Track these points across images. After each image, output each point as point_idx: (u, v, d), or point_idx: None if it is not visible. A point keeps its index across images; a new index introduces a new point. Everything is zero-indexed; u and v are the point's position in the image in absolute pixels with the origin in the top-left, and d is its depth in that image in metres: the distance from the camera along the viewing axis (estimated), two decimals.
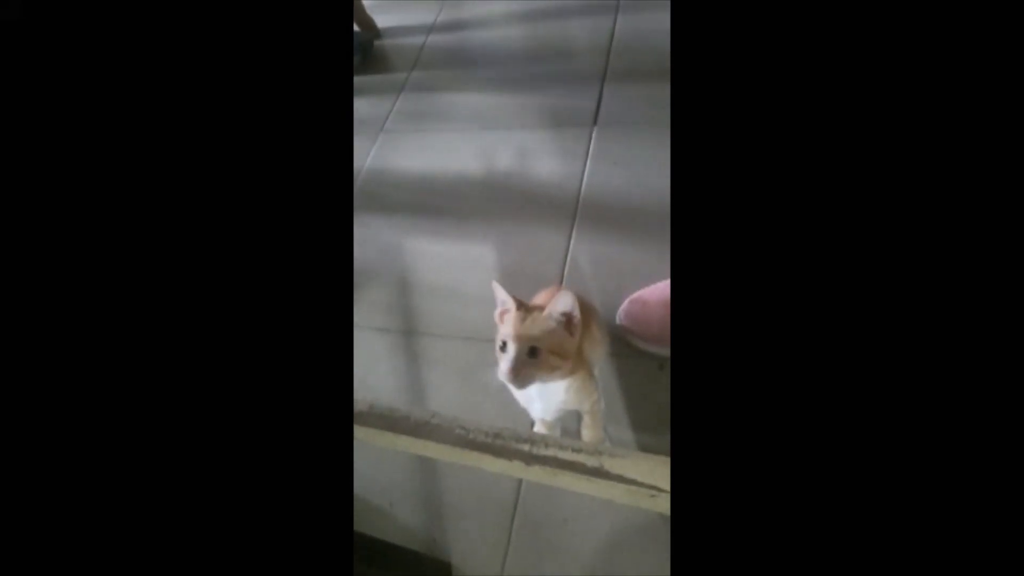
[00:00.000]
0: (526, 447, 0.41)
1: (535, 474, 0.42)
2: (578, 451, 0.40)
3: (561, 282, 0.92)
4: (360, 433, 0.47)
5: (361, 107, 1.34)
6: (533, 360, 0.55)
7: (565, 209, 1.02)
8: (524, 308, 0.58)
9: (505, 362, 0.54)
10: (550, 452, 0.41)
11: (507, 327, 0.57)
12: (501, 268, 0.98)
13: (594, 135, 1.11)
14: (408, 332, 0.95)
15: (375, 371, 0.90)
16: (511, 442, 0.41)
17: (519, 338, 0.55)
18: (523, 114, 1.21)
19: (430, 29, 1.48)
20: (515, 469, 0.42)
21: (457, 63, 1.39)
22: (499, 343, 0.57)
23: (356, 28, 1.45)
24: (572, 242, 0.97)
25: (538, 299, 0.67)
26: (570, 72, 1.25)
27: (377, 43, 1.47)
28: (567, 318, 0.57)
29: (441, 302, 0.97)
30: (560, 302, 0.56)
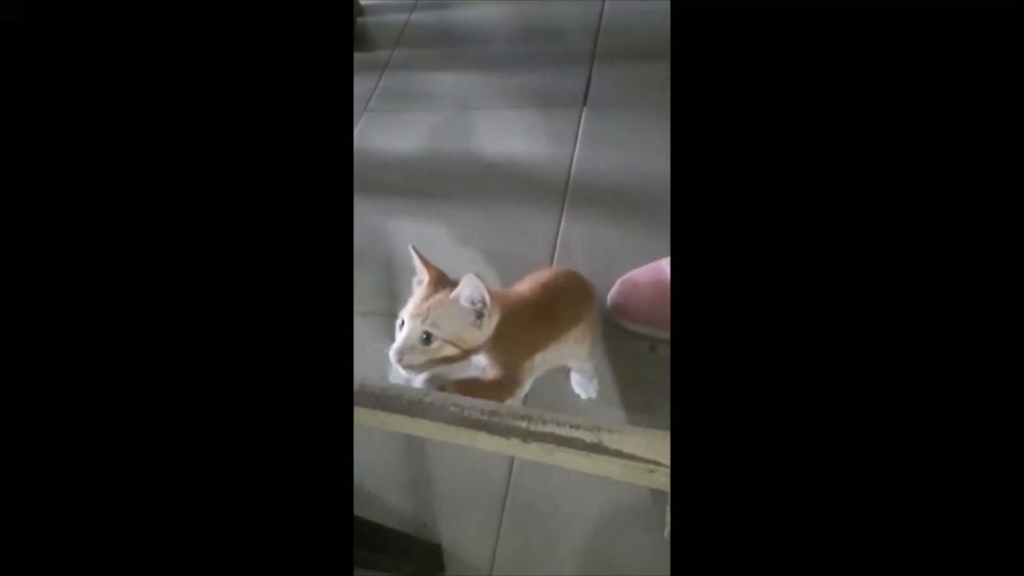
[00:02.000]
0: (523, 424, 0.40)
1: (532, 452, 0.40)
2: (576, 427, 0.39)
3: (552, 264, 0.91)
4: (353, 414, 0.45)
5: None
6: (424, 347, 0.48)
7: (554, 191, 1.00)
8: (437, 284, 0.51)
9: (395, 343, 0.48)
10: (548, 428, 0.39)
11: (410, 303, 0.51)
12: (489, 250, 0.96)
13: (583, 116, 1.10)
14: (394, 315, 0.93)
15: (362, 354, 0.88)
16: (507, 419, 0.40)
17: (414, 317, 0.49)
18: (510, 94, 1.19)
19: (413, 7, 1.44)
20: (512, 447, 0.40)
21: (442, 41, 1.35)
22: (399, 319, 0.51)
23: None
24: (562, 224, 0.96)
25: (523, 284, 0.63)
26: (558, 52, 1.23)
27: (359, 20, 1.42)
28: (480, 305, 0.50)
29: None
30: (468, 287, 0.49)
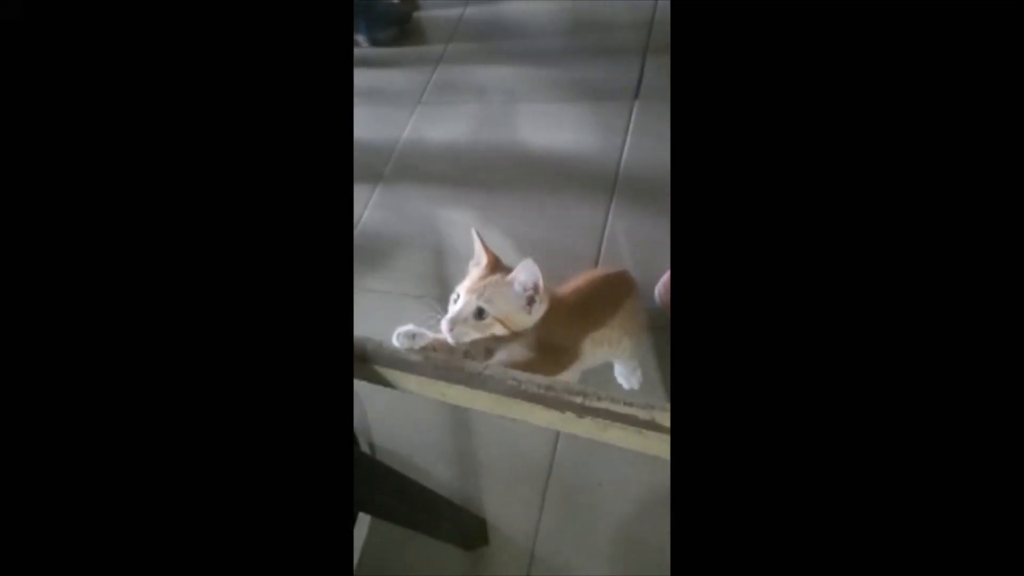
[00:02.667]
0: (578, 399, 0.42)
1: (585, 427, 0.42)
2: (630, 404, 0.41)
3: (598, 259, 0.92)
4: (412, 383, 0.48)
5: (398, 79, 1.34)
6: (477, 322, 0.51)
7: (603, 183, 1.01)
8: (494, 267, 0.54)
9: (449, 313, 0.51)
10: (602, 405, 0.41)
11: (467, 280, 0.54)
12: (536, 241, 0.98)
13: (635, 109, 1.10)
14: (441, 299, 0.96)
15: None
16: (563, 394, 0.42)
17: (471, 292, 0.52)
18: (561, 87, 1.20)
19: (468, 1, 1.47)
20: (566, 421, 0.42)
21: (494, 35, 1.38)
22: (455, 293, 0.54)
23: (395, 0, 1.45)
24: (610, 216, 0.97)
25: (568, 286, 0.64)
26: (610, 45, 1.23)
27: (415, 15, 1.46)
28: (532, 292, 0.52)
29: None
30: (524, 271, 0.52)
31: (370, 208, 1.12)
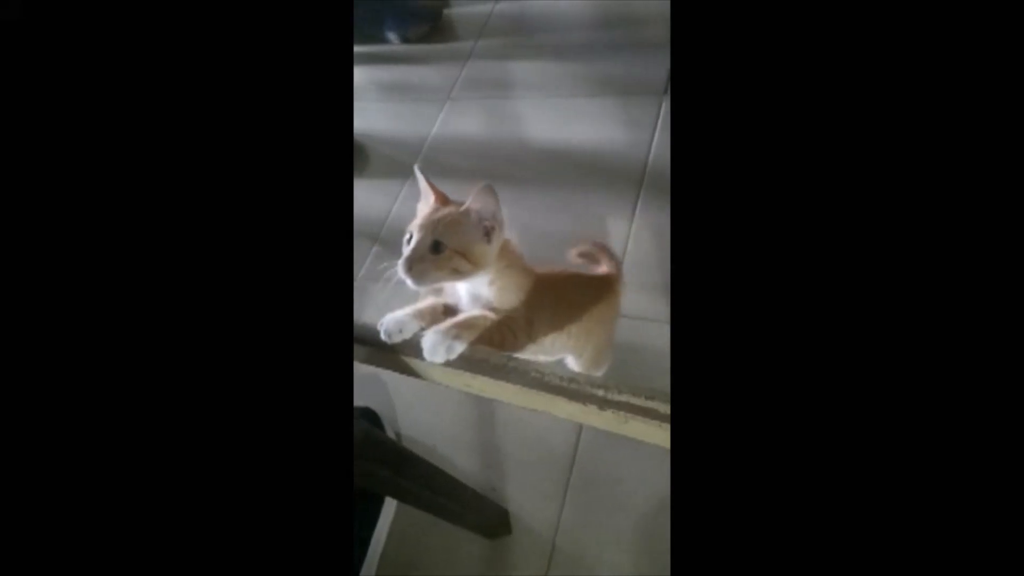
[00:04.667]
0: (600, 392, 0.42)
1: (607, 419, 0.43)
2: (651, 398, 0.41)
3: (624, 255, 0.92)
4: (438, 373, 0.49)
5: (428, 75, 1.36)
6: (435, 256, 0.47)
7: (631, 178, 1.01)
8: (444, 202, 0.51)
9: (405, 253, 0.47)
10: (623, 398, 0.42)
11: (418, 218, 0.50)
12: (560, 236, 0.98)
13: (664, 104, 1.09)
14: None
15: None
16: (586, 386, 0.43)
17: (424, 228, 0.48)
18: (589, 82, 1.20)
19: None
20: (588, 413, 0.43)
21: (524, 31, 1.38)
22: (407, 234, 0.50)
23: None
24: (637, 211, 0.97)
25: (553, 270, 0.62)
26: (640, 40, 1.22)
27: (446, 12, 1.48)
28: (491, 221, 0.49)
29: None
30: (480, 199, 0.48)
31: (399, 202, 1.14)
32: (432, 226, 0.49)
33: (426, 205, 0.52)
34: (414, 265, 0.47)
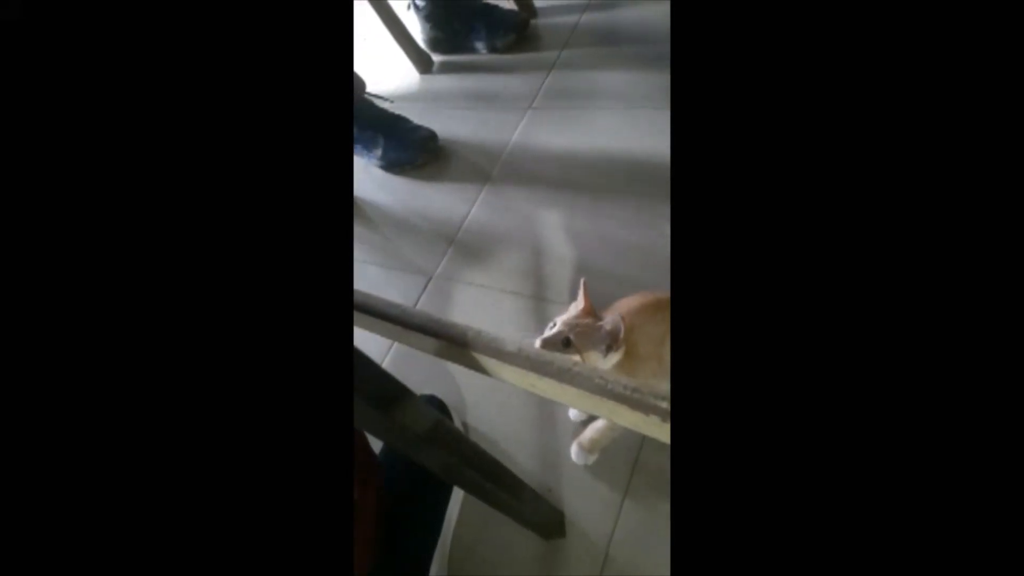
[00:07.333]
0: (664, 404, 0.43)
1: (668, 432, 0.43)
2: None
3: None
4: (506, 372, 0.52)
5: (512, 84, 1.40)
6: (561, 348, 0.62)
7: None
8: (588, 314, 0.66)
9: (544, 335, 0.63)
10: None
11: (566, 314, 0.67)
12: (631, 246, 0.98)
13: None
14: (538, 298, 1.00)
15: (504, 331, 0.97)
16: (649, 397, 0.43)
17: (565, 324, 0.64)
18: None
19: (585, 7, 1.49)
20: (650, 424, 0.43)
21: (608, 41, 1.39)
22: (552, 322, 0.66)
23: (513, 7, 1.51)
24: None
25: (621, 304, 0.71)
26: None
27: (532, 22, 1.52)
28: (612, 341, 0.63)
29: (572, 273, 1.00)
30: (611, 322, 0.63)
31: (477, 206, 1.19)
32: (570, 327, 0.64)
33: (575, 308, 0.68)
34: (545, 346, 0.63)
